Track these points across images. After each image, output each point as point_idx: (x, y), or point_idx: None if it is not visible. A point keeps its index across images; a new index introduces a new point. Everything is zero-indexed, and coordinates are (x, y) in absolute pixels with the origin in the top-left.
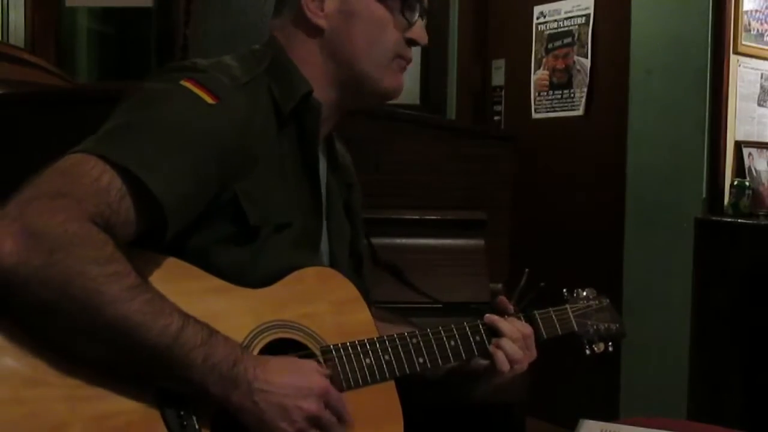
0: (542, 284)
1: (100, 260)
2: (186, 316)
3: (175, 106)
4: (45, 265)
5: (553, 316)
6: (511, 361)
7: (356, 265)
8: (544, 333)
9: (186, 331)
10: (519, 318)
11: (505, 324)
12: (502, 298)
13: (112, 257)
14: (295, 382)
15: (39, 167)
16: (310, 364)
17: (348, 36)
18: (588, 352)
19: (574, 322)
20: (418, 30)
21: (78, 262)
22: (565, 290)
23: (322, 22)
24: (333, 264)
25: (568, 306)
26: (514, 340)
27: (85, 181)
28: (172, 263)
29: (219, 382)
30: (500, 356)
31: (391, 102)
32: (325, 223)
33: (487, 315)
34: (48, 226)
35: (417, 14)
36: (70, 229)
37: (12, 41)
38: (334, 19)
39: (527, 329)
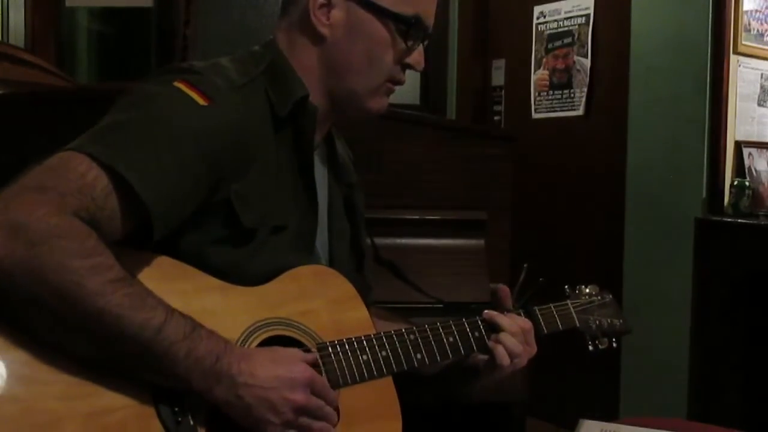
0: (541, 279)
1: (82, 253)
2: (170, 311)
3: (166, 106)
4: (27, 257)
5: (554, 311)
6: (511, 355)
7: (357, 264)
8: (544, 328)
9: (168, 326)
10: (519, 313)
11: (504, 319)
12: (503, 287)
13: (94, 250)
14: (281, 374)
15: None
16: (294, 353)
17: (347, 50)
18: (591, 348)
19: (575, 317)
20: (416, 56)
21: (59, 254)
22: (566, 286)
23: (325, 31)
24: (332, 263)
25: (569, 301)
26: (514, 334)
27: (71, 176)
28: (167, 263)
29: (202, 376)
30: (500, 350)
31: (391, 102)
32: (326, 223)
33: (486, 311)
34: (30, 219)
35: (418, 42)
36: (52, 221)
37: (12, 41)
38: (337, 30)
39: (527, 324)
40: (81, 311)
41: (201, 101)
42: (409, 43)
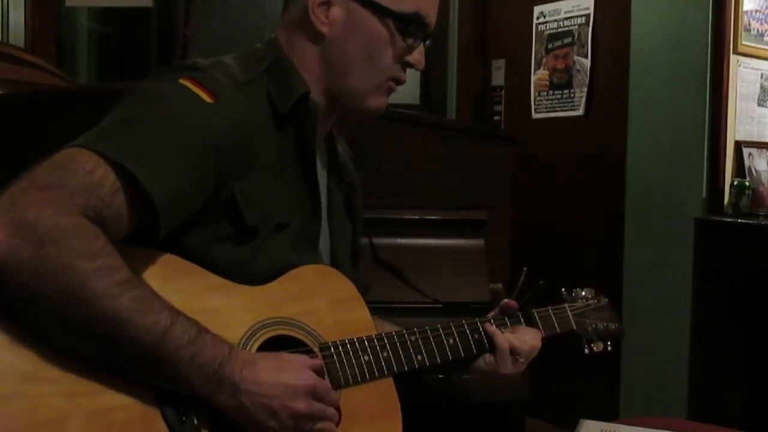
0: (541, 282)
1: (89, 254)
2: (176, 314)
3: (173, 104)
4: (34, 257)
5: (552, 315)
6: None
7: (353, 262)
8: (542, 332)
9: (174, 330)
10: (520, 321)
11: (515, 340)
12: (512, 303)
13: (102, 251)
14: (284, 380)
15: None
16: (299, 359)
17: (346, 48)
18: (587, 351)
19: (572, 321)
20: (417, 55)
21: (67, 255)
22: (563, 289)
23: (324, 29)
24: (334, 262)
25: (566, 305)
26: (525, 355)
27: (78, 174)
28: (171, 261)
29: (204, 381)
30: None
31: (391, 102)
32: (326, 222)
33: (500, 337)
34: (38, 218)
35: (419, 41)
36: (61, 221)
37: (12, 41)
38: (336, 29)
39: (537, 342)
40: (87, 313)
41: (207, 99)
42: (409, 42)
